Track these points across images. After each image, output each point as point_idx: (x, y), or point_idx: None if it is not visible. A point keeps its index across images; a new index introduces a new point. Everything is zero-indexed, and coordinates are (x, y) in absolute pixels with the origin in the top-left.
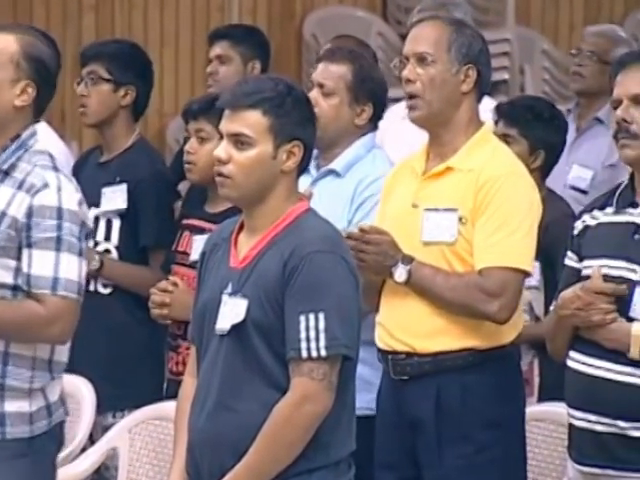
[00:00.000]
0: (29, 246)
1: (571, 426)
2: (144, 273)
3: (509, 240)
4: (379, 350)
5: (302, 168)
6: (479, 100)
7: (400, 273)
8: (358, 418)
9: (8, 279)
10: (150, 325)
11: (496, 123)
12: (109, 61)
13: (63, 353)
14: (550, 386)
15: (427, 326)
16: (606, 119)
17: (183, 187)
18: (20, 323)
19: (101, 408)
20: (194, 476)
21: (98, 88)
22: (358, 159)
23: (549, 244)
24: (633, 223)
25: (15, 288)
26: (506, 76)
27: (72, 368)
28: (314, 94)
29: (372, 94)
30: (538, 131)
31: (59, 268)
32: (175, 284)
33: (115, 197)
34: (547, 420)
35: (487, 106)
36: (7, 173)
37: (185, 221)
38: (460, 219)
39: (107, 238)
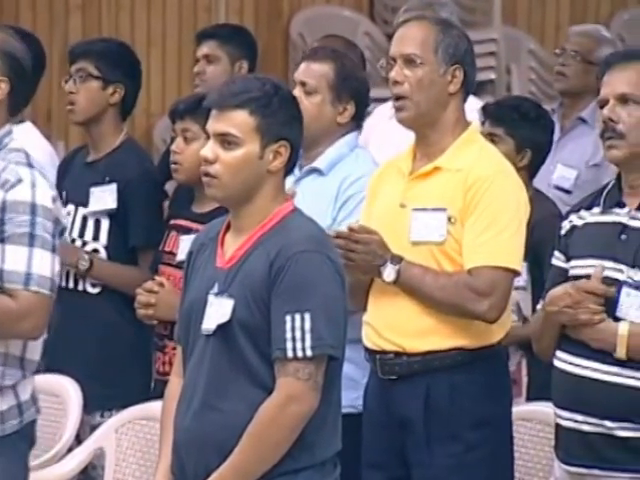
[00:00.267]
0: (2, 241)
1: (558, 426)
2: (133, 273)
3: (498, 239)
4: (367, 350)
5: (289, 168)
6: (465, 100)
7: (389, 273)
8: (343, 416)
9: None
10: (139, 325)
11: (483, 123)
12: (98, 58)
13: (36, 351)
14: (538, 386)
15: (416, 325)
16: (590, 119)
17: (170, 187)
18: None
19: (89, 408)
20: (179, 476)
21: (87, 85)
22: (341, 158)
23: (536, 244)
24: (620, 223)
25: None
26: (493, 76)
27: (60, 367)
28: (296, 93)
29: (354, 92)
30: (524, 130)
31: (32, 263)
32: (161, 284)
33: (104, 197)
34: (534, 420)
35: (474, 106)
36: None
37: (172, 221)
38: (449, 219)
39: (95, 238)
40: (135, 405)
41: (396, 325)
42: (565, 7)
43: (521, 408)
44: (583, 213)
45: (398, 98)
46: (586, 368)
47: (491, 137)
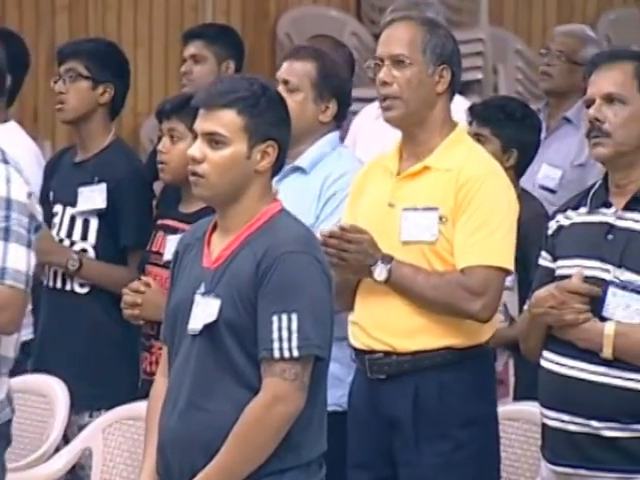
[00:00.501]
0: None
1: (544, 426)
2: (123, 273)
3: (491, 239)
4: (355, 349)
5: (276, 168)
6: (451, 100)
7: (380, 272)
8: (328, 415)
9: None
10: (127, 325)
11: (470, 123)
12: (87, 58)
13: (10, 347)
14: (525, 386)
15: (407, 325)
16: (575, 119)
17: (157, 187)
18: None
19: (77, 408)
20: (165, 476)
21: (77, 85)
22: (323, 156)
23: (523, 244)
24: (606, 223)
25: None
26: (479, 76)
27: (48, 367)
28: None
29: (336, 91)
30: (510, 130)
31: (7, 258)
32: (147, 284)
33: (93, 196)
34: (521, 420)
35: (461, 106)
36: None
37: (159, 221)
38: (440, 218)
39: (84, 238)
40: (123, 405)
41: (386, 324)
42: (552, 7)
43: (508, 408)
44: (570, 213)
45: (386, 98)
46: (573, 368)
47: (477, 137)
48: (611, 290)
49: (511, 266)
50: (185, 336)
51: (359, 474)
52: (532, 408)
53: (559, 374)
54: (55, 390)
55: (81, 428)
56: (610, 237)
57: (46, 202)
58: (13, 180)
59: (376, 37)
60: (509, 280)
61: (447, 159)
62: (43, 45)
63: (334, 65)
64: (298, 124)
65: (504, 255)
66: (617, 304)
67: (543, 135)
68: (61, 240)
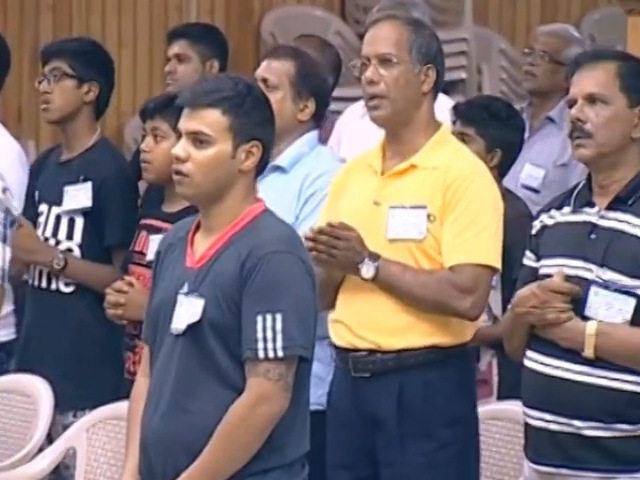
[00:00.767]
0: None
1: (527, 425)
2: (108, 272)
3: (479, 238)
4: (337, 348)
5: (260, 168)
6: (434, 99)
7: (367, 269)
8: (310, 414)
9: None
10: (112, 325)
11: (454, 123)
12: (72, 57)
13: None
14: (509, 386)
15: (392, 323)
16: (558, 118)
17: (141, 186)
18: None
19: (62, 407)
20: (147, 476)
21: (62, 84)
22: (302, 156)
23: (506, 244)
24: (589, 223)
25: None
26: (464, 75)
27: (33, 367)
28: None
29: (315, 90)
30: (494, 130)
31: None
32: (130, 284)
33: (79, 195)
34: (504, 419)
35: (444, 105)
36: None
37: (142, 221)
38: (428, 216)
39: (69, 237)
40: (107, 405)
41: (371, 322)
42: (536, 7)
43: (491, 407)
44: (554, 213)
45: (373, 97)
46: (556, 368)
47: (462, 137)
48: (593, 289)
49: (499, 264)
50: (167, 336)
51: (340, 474)
52: (515, 407)
53: (542, 374)
54: (39, 390)
55: (65, 428)
56: (593, 237)
57: (31, 202)
58: None
59: (360, 37)
60: (493, 279)
61: (433, 158)
62: (27, 46)
63: (313, 64)
64: (277, 123)
65: (492, 254)
66: (599, 303)
67: (526, 135)
68: (46, 239)
